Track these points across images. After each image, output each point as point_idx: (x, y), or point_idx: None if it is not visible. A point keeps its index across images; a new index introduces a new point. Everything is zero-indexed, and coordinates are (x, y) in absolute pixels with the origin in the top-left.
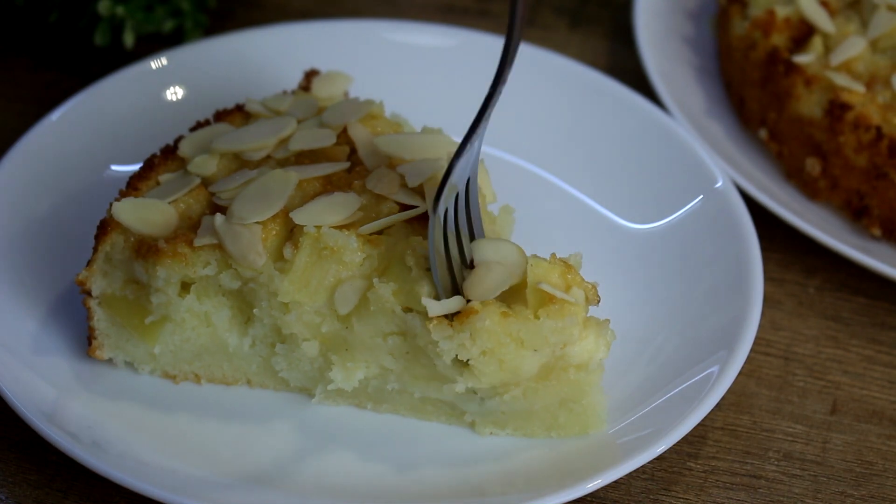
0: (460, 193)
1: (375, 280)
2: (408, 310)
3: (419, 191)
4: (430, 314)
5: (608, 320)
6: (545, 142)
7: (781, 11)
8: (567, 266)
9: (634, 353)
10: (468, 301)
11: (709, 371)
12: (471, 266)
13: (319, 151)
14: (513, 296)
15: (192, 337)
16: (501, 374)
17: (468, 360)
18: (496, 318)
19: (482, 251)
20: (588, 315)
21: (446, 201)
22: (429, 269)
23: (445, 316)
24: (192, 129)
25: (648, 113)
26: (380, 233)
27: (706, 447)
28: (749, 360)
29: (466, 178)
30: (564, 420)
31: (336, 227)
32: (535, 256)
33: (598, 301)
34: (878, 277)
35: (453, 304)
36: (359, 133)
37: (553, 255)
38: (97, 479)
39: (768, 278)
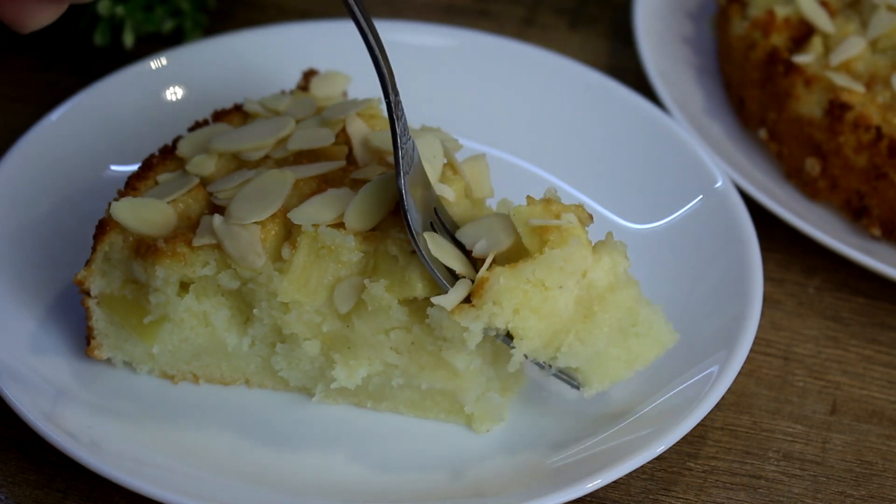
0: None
1: (367, 281)
2: (405, 301)
3: None
4: (449, 308)
5: (610, 233)
6: (545, 142)
7: (781, 11)
8: (546, 200)
9: None
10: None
11: (709, 371)
12: (469, 254)
13: (318, 151)
14: (514, 258)
15: (191, 337)
16: (543, 325)
17: (507, 326)
18: (508, 273)
19: (467, 235)
20: (592, 240)
21: (424, 219)
22: (413, 252)
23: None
24: (191, 129)
25: (648, 113)
26: (374, 230)
27: (706, 447)
28: (749, 360)
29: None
30: (637, 348)
31: (333, 226)
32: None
33: (591, 219)
34: (877, 277)
35: (462, 287)
36: (356, 128)
37: (528, 196)
38: (96, 479)
39: (768, 278)
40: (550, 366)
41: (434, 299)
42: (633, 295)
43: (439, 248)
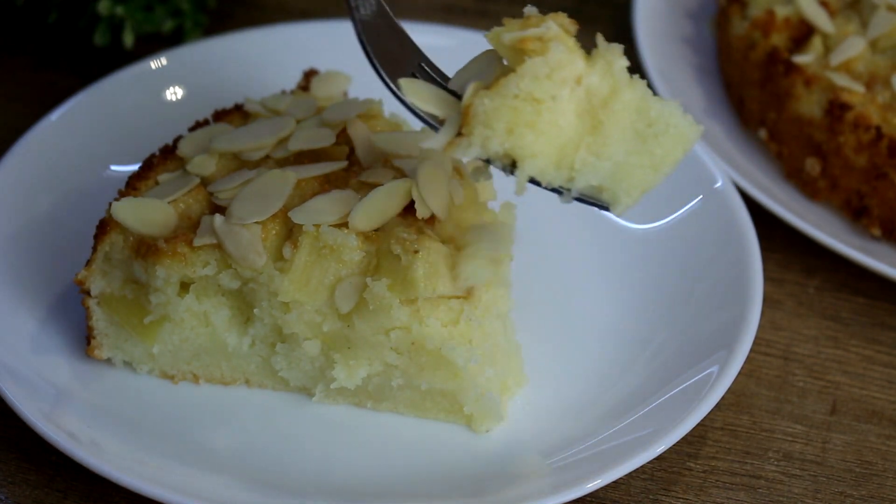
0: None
1: (369, 279)
2: (406, 301)
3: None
4: (437, 146)
5: (600, 35)
6: None
7: (781, 11)
8: (525, 17)
9: (634, 353)
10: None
11: (709, 371)
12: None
13: (319, 151)
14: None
15: (191, 337)
16: (544, 141)
17: (504, 148)
18: (491, 93)
19: (458, 82)
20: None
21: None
22: (416, 251)
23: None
24: (191, 129)
25: None
26: (377, 230)
27: (706, 447)
28: (749, 360)
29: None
30: (660, 149)
31: (335, 226)
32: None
33: (576, 27)
34: (877, 277)
35: (451, 124)
36: (358, 131)
37: (504, 18)
38: (96, 479)
39: (768, 278)
40: (570, 190)
41: (423, 143)
42: (639, 94)
43: (418, 94)
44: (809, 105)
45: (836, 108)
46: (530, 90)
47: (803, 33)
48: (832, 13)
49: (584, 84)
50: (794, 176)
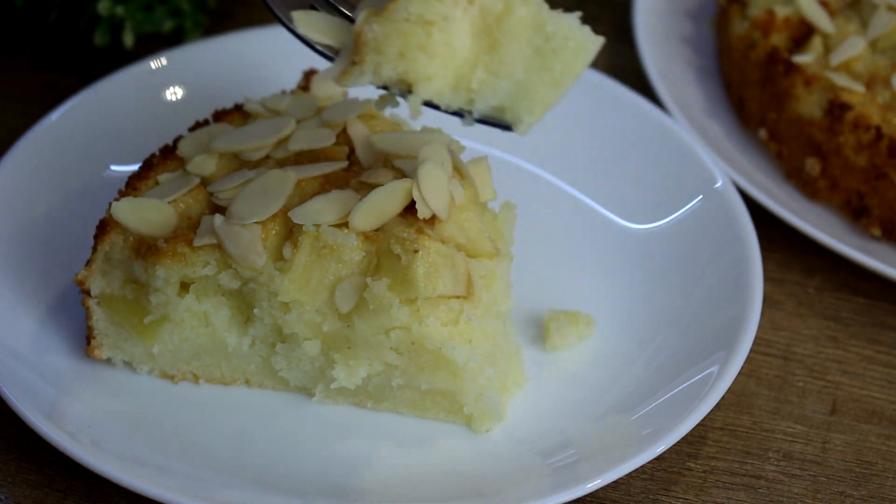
0: None
1: (369, 279)
2: (406, 301)
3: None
4: (331, 77)
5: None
6: (545, 142)
7: (781, 11)
8: None
9: (634, 353)
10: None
11: (708, 371)
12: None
13: (319, 151)
14: None
15: (191, 337)
16: (438, 63)
17: (396, 73)
18: (381, 18)
19: (359, 11)
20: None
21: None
22: (416, 251)
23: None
24: (191, 129)
25: (648, 113)
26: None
27: (706, 447)
28: (749, 360)
29: None
30: (559, 64)
31: (335, 226)
32: None
33: None
34: (877, 277)
35: (346, 53)
36: (358, 130)
37: None
38: (96, 479)
39: (768, 278)
40: (471, 112)
41: (321, 73)
42: (533, 9)
43: (312, 25)
44: (809, 105)
45: (836, 108)
46: (420, 12)
47: (803, 33)
48: (832, 13)
49: (477, 3)
50: (794, 176)
